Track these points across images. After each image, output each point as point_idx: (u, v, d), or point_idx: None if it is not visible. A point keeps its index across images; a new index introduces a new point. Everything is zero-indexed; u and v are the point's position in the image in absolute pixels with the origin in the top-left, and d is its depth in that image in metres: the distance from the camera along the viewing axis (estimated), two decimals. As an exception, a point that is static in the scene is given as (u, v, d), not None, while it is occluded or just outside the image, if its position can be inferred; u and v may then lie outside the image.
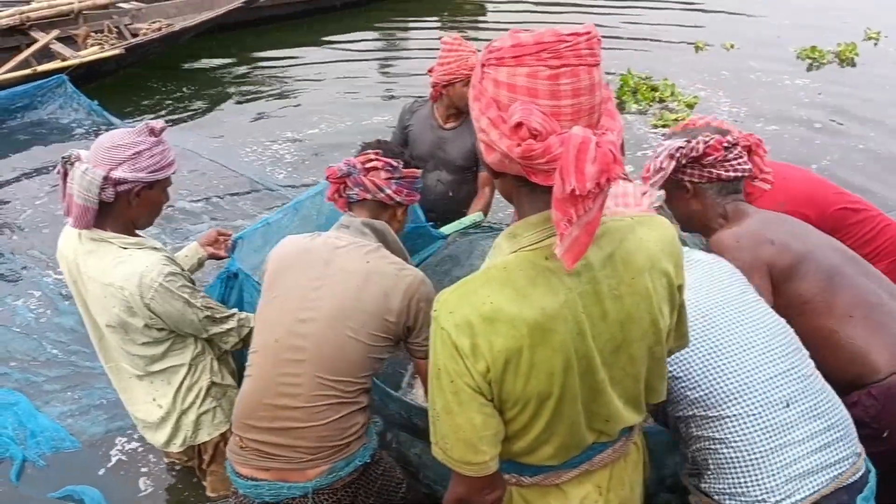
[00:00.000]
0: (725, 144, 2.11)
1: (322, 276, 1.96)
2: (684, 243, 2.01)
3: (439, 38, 3.47)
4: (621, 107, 6.45)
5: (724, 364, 1.70)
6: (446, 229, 3.15)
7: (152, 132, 2.07)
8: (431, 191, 3.44)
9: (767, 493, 1.64)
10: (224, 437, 2.41)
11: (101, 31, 7.27)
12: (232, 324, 2.26)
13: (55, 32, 7.06)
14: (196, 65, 7.87)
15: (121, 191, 2.05)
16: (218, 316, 2.23)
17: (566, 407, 1.35)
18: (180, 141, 5.54)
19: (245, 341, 2.30)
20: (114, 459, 3.01)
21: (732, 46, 7.97)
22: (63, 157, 2.06)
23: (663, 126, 5.91)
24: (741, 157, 2.15)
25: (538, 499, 1.54)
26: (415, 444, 2.47)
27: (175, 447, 2.38)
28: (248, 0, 7.64)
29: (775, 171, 2.48)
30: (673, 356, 1.68)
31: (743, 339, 1.73)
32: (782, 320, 1.81)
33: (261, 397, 1.95)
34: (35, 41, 6.95)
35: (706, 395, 1.69)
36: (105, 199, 2.04)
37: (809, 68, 7.37)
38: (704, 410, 1.69)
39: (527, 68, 1.16)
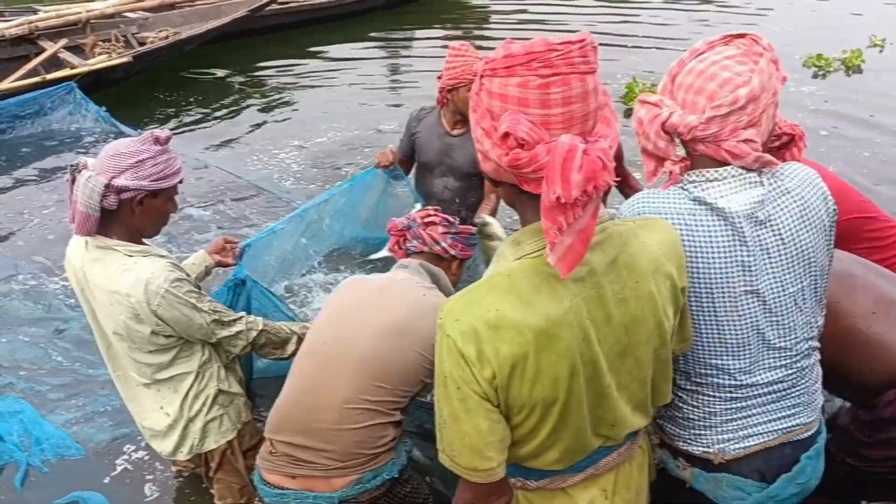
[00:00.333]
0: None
1: (380, 295, 2.08)
2: None
3: (445, 46, 3.49)
4: (628, 114, 6.45)
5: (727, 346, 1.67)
6: None
7: (157, 141, 2.08)
8: (438, 197, 3.45)
9: (713, 444, 1.68)
10: (231, 445, 2.41)
11: (109, 41, 7.34)
12: (240, 326, 2.26)
13: (63, 41, 7.13)
14: (203, 74, 7.91)
15: (124, 198, 2.05)
16: (226, 319, 2.23)
17: (572, 412, 1.36)
18: (188, 149, 5.59)
19: (254, 344, 2.31)
20: (120, 467, 3.01)
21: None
22: (71, 165, 2.08)
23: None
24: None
25: (544, 503, 1.54)
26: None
27: (182, 455, 2.38)
28: (253, 9, 7.69)
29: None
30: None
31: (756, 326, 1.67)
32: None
33: (300, 397, 2.00)
34: (43, 50, 7.00)
35: (694, 366, 1.68)
36: (107, 206, 2.04)
37: (815, 76, 7.35)
38: (686, 379, 1.69)
39: (518, 78, 1.18)
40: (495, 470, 1.37)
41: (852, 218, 2.52)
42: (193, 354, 2.27)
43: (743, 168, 1.55)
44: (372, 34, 9.24)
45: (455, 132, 3.34)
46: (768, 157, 1.54)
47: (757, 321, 1.60)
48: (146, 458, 3.03)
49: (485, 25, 9.87)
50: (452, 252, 2.27)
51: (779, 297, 1.59)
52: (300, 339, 2.39)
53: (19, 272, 4.33)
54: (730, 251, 1.54)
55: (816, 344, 1.73)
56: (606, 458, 1.52)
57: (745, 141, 1.52)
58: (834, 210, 1.65)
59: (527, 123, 1.17)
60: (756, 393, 1.66)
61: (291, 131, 6.41)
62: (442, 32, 9.60)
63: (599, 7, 10.05)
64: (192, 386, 2.28)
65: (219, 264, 2.66)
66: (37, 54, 6.97)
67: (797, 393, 1.69)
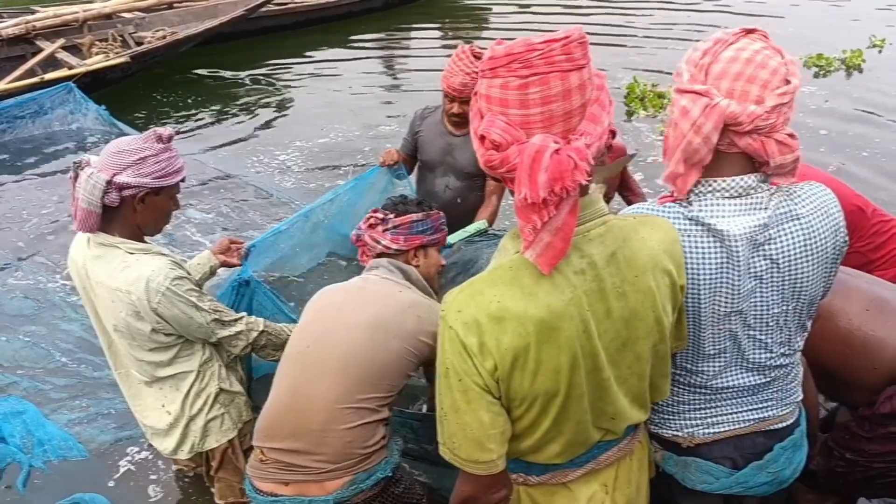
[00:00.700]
0: None
1: (358, 294, 2.10)
2: None
3: (444, 47, 3.49)
4: (630, 115, 6.46)
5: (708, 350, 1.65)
6: (451, 238, 3.14)
7: (160, 139, 2.09)
8: (440, 197, 3.44)
9: (682, 427, 1.69)
10: (232, 444, 2.42)
11: (106, 40, 7.36)
12: (240, 327, 2.26)
13: (60, 41, 7.14)
14: (202, 75, 7.92)
15: (125, 195, 2.06)
16: (226, 319, 2.23)
17: (573, 405, 1.37)
18: (189, 150, 5.58)
19: (254, 345, 2.30)
20: (122, 468, 3.01)
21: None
22: (74, 162, 2.09)
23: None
24: None
25: (545, 498, 1.54)
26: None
27: (183, 454, 2.38)
28: (249, 9, 7.70)
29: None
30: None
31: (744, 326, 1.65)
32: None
33: (286, 402, 1.98)
34: (40, 50, 7.01)
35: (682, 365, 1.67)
36: (109, 203, 2.05)
37: (816, 76, 7.35)
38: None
39: (500, 79, 1.20)
40: (496, 462, 1.37)
41: (853, 206, 2.53)
42: (194, 353, 2.27)
43: (765, 175, 1.47)
44: (371, 35, 9.26)
45: (458, 132, 3.34)
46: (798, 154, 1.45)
47: (736, 335, 1.58)
48: (149, 458, 3.04)
49: (484, 25, 9.90)
50: (395, 247, 2.22)
51: (761, 316, 1.56)
52: None
53: (20, 272, 4.33)
54: (720, 275, 1.49)
55: (794, 359, 1.69)
56: (607, 452, 1.53)
57: (790, 135, 1.43)
58: (844, 242, 1.58)
59: (501, 125, 1.19)
60: (727, 394, 1.66)
61: (292, 131, 6.41)
62: (441, 33, 9.62)
63: (599, 6, 10.05)
64: (193, 384, 2.28)
65: (224, 264, 2.67)
66: (34, 54, 6.99)
67: (770, 391, 1.68)
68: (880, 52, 8.03)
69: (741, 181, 1.46)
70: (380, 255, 2.26)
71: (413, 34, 9.48)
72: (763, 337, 1.59)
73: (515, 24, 9.54)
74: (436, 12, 10.30)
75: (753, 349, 1.60)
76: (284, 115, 6.87)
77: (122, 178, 2.03)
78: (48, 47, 7.00)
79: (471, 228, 3.19)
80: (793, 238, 1.49)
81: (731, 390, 1.65)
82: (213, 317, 2.19)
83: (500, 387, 1.32)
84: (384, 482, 2.01)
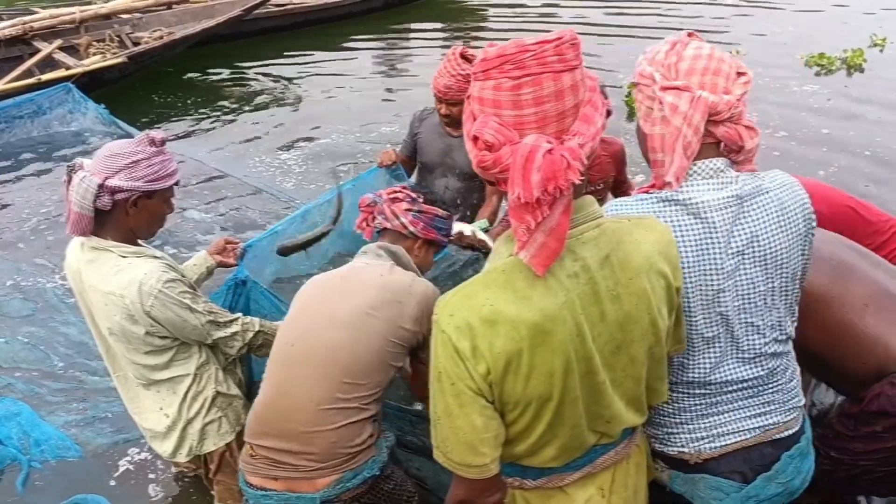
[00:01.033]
0: None
1: (339, 288, 2.07)
2: None
3: (444, 46, 3.47)
4: (632, 116, 6.44)
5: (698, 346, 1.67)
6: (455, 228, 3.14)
7: (152, 142, 2.08)
8: (440, 198, 3.42)
9: (687, 442, 1.68)
10: (230, 447, 2.41)
11: (103, 41, 7.36)
12: (236, 328, 2.26)
13: (58, 42, 7.13)
14: (200, 76, 7.93)
15: (118, 199, 2.05)
16: (221, 320, 2.23)
17: (567, 409, 1.36)
18: (188, 150, 5.57)
19: (251, 346, 2.30)
20: (121, 469, 3.01)
21: (738, 53, 7.95)
22: (68, 166, 2.08)
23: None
24: None
25: (542, 502, 1.54)
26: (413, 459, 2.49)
27: (182, 457, 2.38)
28: (247, 8, 7.69)
29: None
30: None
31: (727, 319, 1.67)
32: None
33: (274, 401, 1.99)
34: (38, 51, 7.01)
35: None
36: (101, 206, 2.04)
37: (818, 74, 7.33)
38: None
39: (492, 81, 1.20)
40: (489, 466, 1.37)
41: (846, 207, 2.52)
42: (191, 356, 2.27)
43: (730, 161, 1.58)
44: (371, 35, 9.24)
45: (456, 133, 3.33)
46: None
47: (727, 318, 1.60)
48: (148, 460, 3.03)
49: (483, 24, 9.88)
50: (412, 229, 2.21)
51: (749, 294, 1.59)
52: None
53: (19, 273, 4.33)
54: (703, 251, 1.54)
55: (787, 347, 1.72)
56: (603, 456, 1.52)
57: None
58: (811, 219, 1.65)
59: (494, 126, 1.19)
60: (725, 390, 1.66)
61: (293, 132, 6.41)
62: (441, 33, 9.61)
63: (599, 6, 10.03)
64: (190, 388, 2.28)
65: (220, 265, 2.66)
66: (31, 55, 6.98)
67: (769, 391, 1.68)
68: (882, 51, 8.01)
69: (710, 163, 1.56)
70: (382, 231, 2.25)
71: (413, 34, 9.48)
72: (754, 319, 1.61)
73: (515, 24, 9.55)
74: (436, 12, 10.30)
75: (746, 334, 1.62)
76: (284, 116, 6.86)
77: (114, 182, 2.02)
78: (45, 48, 7.00)
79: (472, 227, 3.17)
80: (766, 210, 1.57)
81: (730, 387, 1.65)
82: (207, 318, 2.18)
83: (493, 391, 1.31)
84: (372, 480, 2.02)
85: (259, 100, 7.27)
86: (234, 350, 2.30)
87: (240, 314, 2.33)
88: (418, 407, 2.52)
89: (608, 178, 3.27)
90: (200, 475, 2.59)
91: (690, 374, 1.65)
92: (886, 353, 1.94)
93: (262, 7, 8.04)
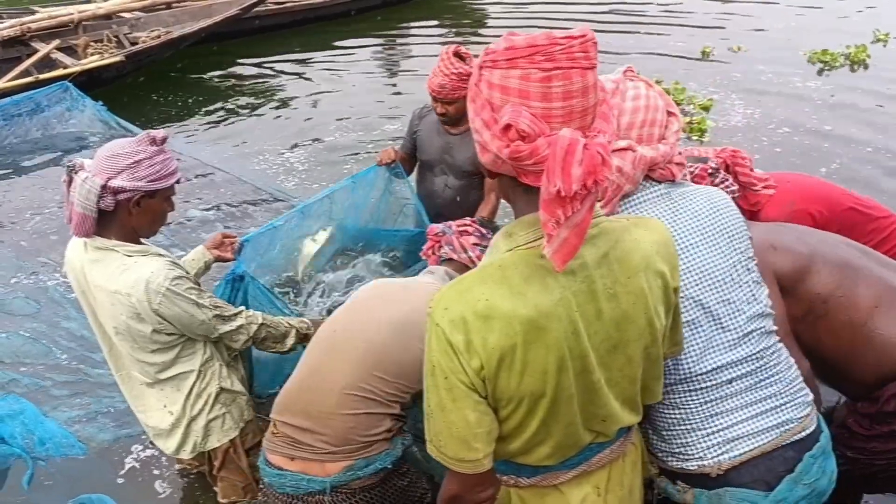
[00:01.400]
0: (709, 171, 2.31)
1: (400, 291, 2.17)
2: None
3: (444, 44, 3.47)
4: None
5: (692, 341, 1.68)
6: None
7: (153, 141, 2.08)
8: (439, 196, 3.44)
9: (704, 451, 1.67)
10: (233, 444, 2.42)
11: (101, 41, 7.37)
12: (241, 321, 2.27)
13: (56, 42, 7.15)
14: (200, 75, 7.91)
15: (120, 199, 2.06)
16: (227, 314, 2.24)
17: (561, 406, 1.36)
18: (188, 149, 5.57)
19: (255, 338, 2.32)
20: (126, 467, 3.03)
21: (739, 49, 7.93)
22: (68, 166, 2.08)
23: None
24: (727, 179, 2.35)
25: (536, 500, 1.54)
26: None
27: (186, 454, 2.39)
28: (244, 7, 7.69)
29: (780, 177, 2.48)
30: None
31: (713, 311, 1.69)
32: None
33: (304, 379, 2.06)
34: (36, 51, 7.02)
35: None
36: (104, 207, 2.05)
37: (821, 71, 7.30)
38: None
39: (519, 70, 1.17)
40: (482, 461, 1.37)
41: (846, 209, 2.52)
42: (195, 353, 2.28)
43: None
44: (371, 33, 9.22)
45: (455, 131, 3.33)
46: None
47: (701, 301, 1.64)
48: (153, 457, 3.05)
49: (482, 22, 9.86)
50: (477, 262, 2.25)
51: (714, 271, 1.67)
52: (298, 333, 2.43)
53: (21, 270, 4.34)
54: None
55: (771, 326, 1.72)
56: (599, 454, 1.52)
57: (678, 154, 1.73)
58: (738, 217, 1.75)
59: (528, 116, 1.16)
60: (721, 379, 1.66)
61: (294, 131, 6.41)
62: (441, 30, 9.59)
63: (599, 5, 10.00)
64: (194, 384, 2.29)
65: (218, 259, 2.67)
66: (29, 55, 6.99)
67: (768, 379, 1.68)
68: (885, 46, 7.97)
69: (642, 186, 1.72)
70: (447, 261, 2.36)
71: (413, 32, 9.45)
72: (728, 296, 1.66)
73: (515, 23, 9.49)
74: (435, 10, 10.27)
75: (725, 313, 1.66)
76: (284, 113, 6.86)
77: (117, 183, 2.02)
78: (43, 48, 7.01)
79: None
80: (698, 199, 1.71)
81: (723, 374, 1.65)
82: (214, 313, 2.19)
83: (486, 386, 1.31)
84: (384, 473, 2.04)
85: (259, 98, 7.26)
86: (240, 343, 2.31)
87: (242, 308, 2.35)
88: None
89: None
90: (204, 472, 2.59)
91: (682, 368, 1.65)
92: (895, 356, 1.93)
93: (260, 5, 8.05)
